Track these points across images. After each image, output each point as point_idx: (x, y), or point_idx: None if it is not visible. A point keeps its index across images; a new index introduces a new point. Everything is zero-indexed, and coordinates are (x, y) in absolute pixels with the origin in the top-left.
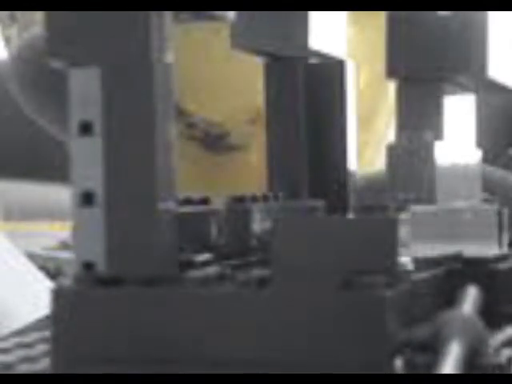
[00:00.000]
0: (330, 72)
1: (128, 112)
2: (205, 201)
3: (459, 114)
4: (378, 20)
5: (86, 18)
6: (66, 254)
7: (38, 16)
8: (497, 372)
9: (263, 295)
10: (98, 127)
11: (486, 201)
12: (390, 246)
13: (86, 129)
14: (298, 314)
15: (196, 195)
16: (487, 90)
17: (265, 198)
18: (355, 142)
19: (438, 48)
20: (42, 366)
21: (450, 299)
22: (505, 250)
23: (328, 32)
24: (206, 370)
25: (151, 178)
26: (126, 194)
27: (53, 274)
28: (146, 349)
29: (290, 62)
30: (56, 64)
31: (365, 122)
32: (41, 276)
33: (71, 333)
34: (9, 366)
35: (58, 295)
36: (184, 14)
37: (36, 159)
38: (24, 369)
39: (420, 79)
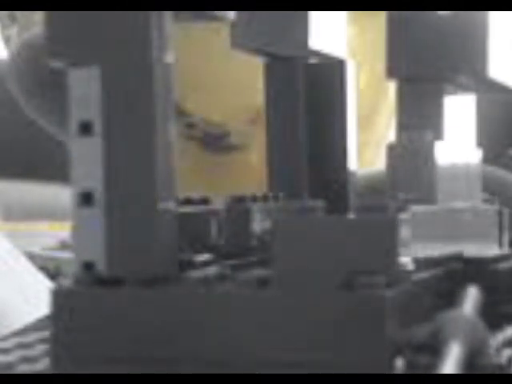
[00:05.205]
0: (330, 72)
1: (128, 112)
2: (205, 201)
3: (459, 113)
4: (378, 20)
5: (86, 18)
6: (65, 254)
7: (38, 16)
8: (497, 372)
9: (263, 295)
10: (97, 127)
11: (486, 201)
12: (390, 246)
13: (85, 129)
14: (297, 315)
15: (196, 195)
16: (487, 89)
17: (265, 198)
18: (355, 141)
19: (439, 48)
20: (42, 366)
21: (451, 299)
22: (505, 250)
23: (328, 32)
24: (206, 369)
25: (151, 178)
26: (126, 194)
27: (52, 274)
28: (146, 349)
29: (290, 61)
30: (56, 64)
31: (365, 122)
32: (40, 276)
33: (71, 333)
34: (9, 366)
35: (57, 295)
36: (184, 14)
37: (36, 159)
38: (24, 369)
39: (420, 79)
